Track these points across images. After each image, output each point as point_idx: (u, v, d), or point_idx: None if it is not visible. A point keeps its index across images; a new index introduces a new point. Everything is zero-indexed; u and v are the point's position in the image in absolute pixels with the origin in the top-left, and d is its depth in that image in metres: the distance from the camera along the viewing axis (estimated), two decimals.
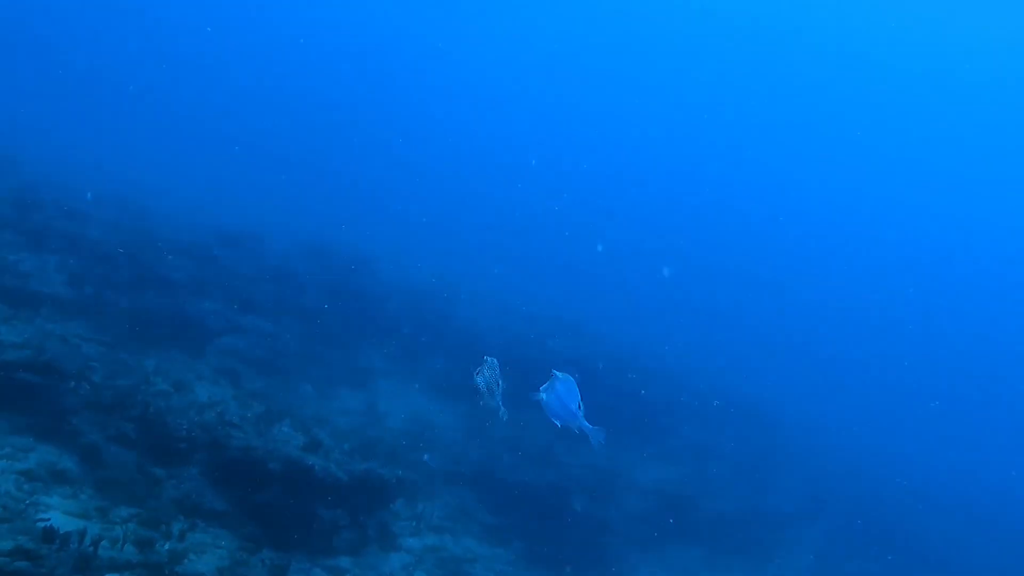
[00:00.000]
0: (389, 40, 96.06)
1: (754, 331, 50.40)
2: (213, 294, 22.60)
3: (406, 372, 27.06)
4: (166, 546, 11.53)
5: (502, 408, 7.13)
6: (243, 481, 13.94)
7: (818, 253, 79.17)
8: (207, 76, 75.83)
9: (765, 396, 37.59)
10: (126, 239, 23.97)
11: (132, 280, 21.14)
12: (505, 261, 46.08)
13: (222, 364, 18.96)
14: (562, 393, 6.63)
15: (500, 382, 7.09)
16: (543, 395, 6.75)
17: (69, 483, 12.63)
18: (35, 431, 13.41)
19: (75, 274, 19.67)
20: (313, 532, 14.40)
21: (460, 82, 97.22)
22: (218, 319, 21.55)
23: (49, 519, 10.99)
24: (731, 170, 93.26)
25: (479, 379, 7.08)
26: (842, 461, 34.28)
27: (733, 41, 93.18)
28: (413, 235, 45.77)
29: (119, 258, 22.08)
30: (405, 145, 73.33)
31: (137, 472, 13.39)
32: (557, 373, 6.70)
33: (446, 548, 17.38)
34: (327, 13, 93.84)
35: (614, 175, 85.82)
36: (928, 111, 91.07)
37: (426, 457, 20.49)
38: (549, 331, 31.82)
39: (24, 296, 16.93)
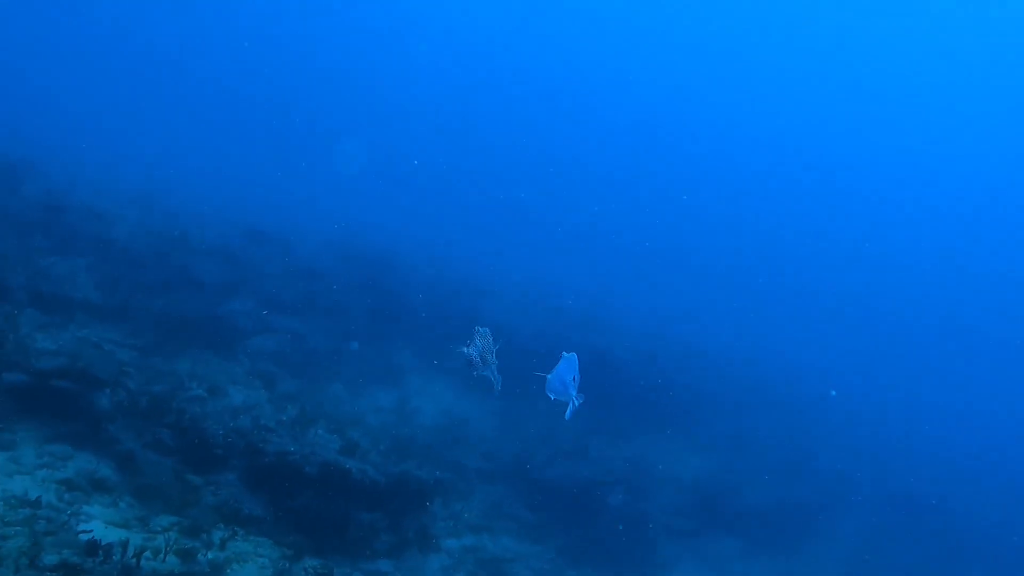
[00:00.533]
0: (409, 34, 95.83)
1: (783, 318, 49.96)
2: (243, 294, 22.52)
3: (435, 368, 26.91)
4: (208, 555, 11.42)
5: (498, 379, 6.97)
6: (281, 486, 13.83)
7: (846, 237, 78.47)
8: (231, 75, 75.84)
9: (793, 381, 37.26)
10: (154, 241, 23.94)
11: (162, 282, 21.09)
12: (532, 255, 45.88)
13: (255, 366, 18.85)
14: (561, 370, 6.62)
15: (494, 352, 6.91)
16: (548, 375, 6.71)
17: (108, 491, 12.55)
18: (72, 439, 13.35)
19: (105, 278, 19.62)
20: (352, 536, 14.28)
21: (484, 78, 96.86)
22: (249, 320, 21.47)
23: (92, 531, 10.90)
24: (759, 157, 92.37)
25: (471, 350, 6.92)
26: (875, 445, 33.90)
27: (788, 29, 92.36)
28: (439, 231, 45.56)
29: (148, 260, 22.05)
30: (430, 141, 73.08)
31: (175, 479, 13.30)
32: (565, 354, 6.67)
33: (485, 548, 17.23)
34: (350, 10, 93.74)
35: (640, 167, 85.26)
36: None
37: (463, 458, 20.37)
38: (577, 323, 31.62)
39: (57, 302, 16.88)
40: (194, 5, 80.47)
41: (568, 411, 6.69)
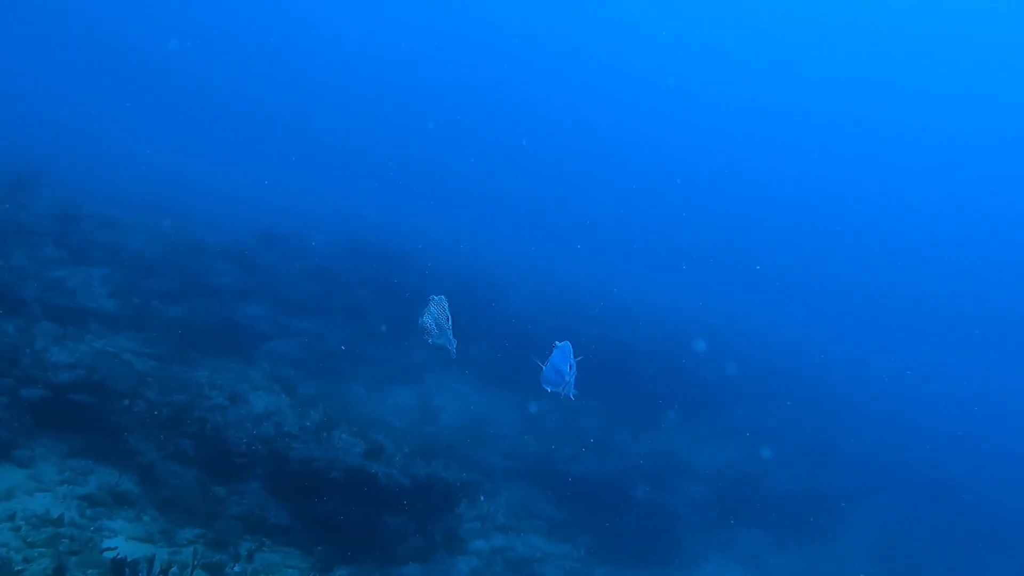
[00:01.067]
0: (417, 33, 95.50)
1: (804, 306, 49.64)
2: (258, 298, 22.30)
3: (454, 364, 26.62)
4: (236, 568, 11.17)
5: (453, 343, 6.89)
6: (306, 493, 13.58)
7: (869, 225, 77.94)
8: (238, 81, 75.74)
9: (816, 369, 36.96)
10: (167, 247, 23.74)
11: (177, 289, 20.89)
12: (548, 249, 45.61)
13: (274, 370, 18.60)
14: (556, 359, 6.50)
15: (449, 319, 6.83)
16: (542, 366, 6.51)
17: (131, 505, 12.32)
18: (93, 453, 13.12)
19: (120, 286, 19.40)
20: (380, 541, 14.02)
21: (500, 74, 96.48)
22: (266, 323, 21.25)
23: (116, 547, 10.66)
24: (778, 147, 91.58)
25: (426, 318, 6.79)
26: (900, 430, 33.57)
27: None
28: (452, 227, 45.31)
29: (162, 267, 21.83)
30: (439, 137, 72.85)
31: (198, 490, 13.05)
32: (557, 343, 6.53)
33: (514, 548, 16.95)
34: (355, 11, 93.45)
35: (657, 160, 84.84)
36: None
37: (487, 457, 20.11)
38: (596, 316, 31.33)
39: (72, 313, 16.65)
40: (200, 11, 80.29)
41: (567, 390, 6.57)
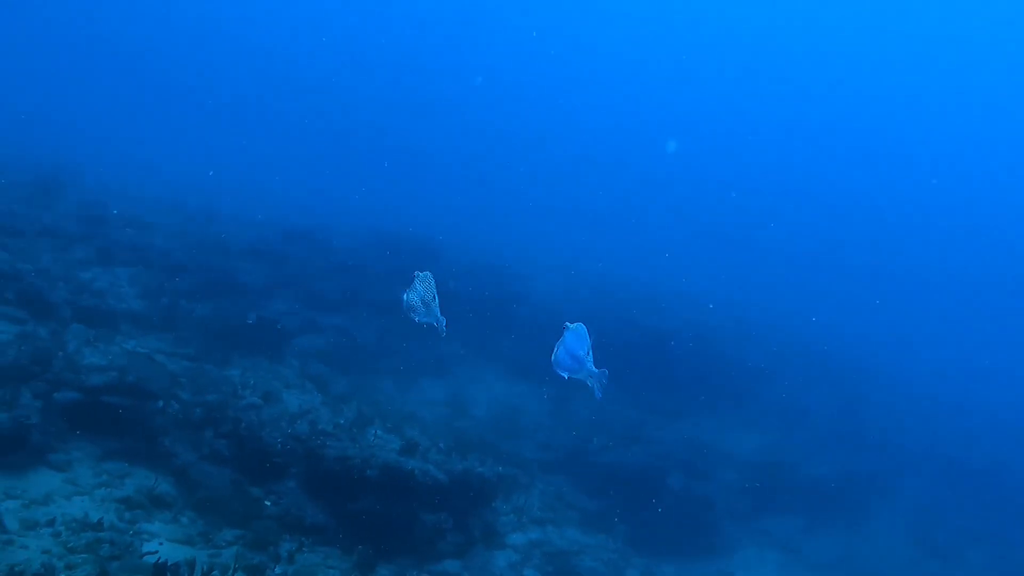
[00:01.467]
0: (439, 27, 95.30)
1: (831, 286, 49.20)
2: (286, 294, 22.25)
3: (482, 356, 26.56)
4: (277, 570, 11.07)
5: (441, 321, 6.47)
6: (343, 491, 13.47)
7: (895, 207, 77.13)
8: (260, 79, 75.80)
9: (847, 350, 36.60)
10: (193, 246, 23.70)
11: (205, 287, 20.83)
12: (572, 238, 45.40)
13: (305, 367, 18.53)
14: (570, 343, 5.87)
15: (436, 296, 6.42)
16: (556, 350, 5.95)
17: (168, 507, 12.26)
18: (128, 455, 13.07)
19: (148, 286, 19.37)
20: (418, 538, 13.90)
21: (526, 66, 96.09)
22: (294, 319, 21.18)
23: (157, 551, 10.58)
24: (809, 133, 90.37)
25: (411, 295, 6.39)
26: (933, 410, 33.21)
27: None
28: (476, 219, 45.20)
29: (189, 266, 21.78)
30: (459, 131, 72.73)
31: (234, 491, 12.97)
32: (568, 324, 5.94)
33: (551, 541, 16.82)
34: (377, 8, 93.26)
35: (684, 147, 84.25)
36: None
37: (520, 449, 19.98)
38: (625, 302, 31.11)
39: (102, 315, 16.61)
40: (221, 12, 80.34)
41: (596, 385, 5.96)
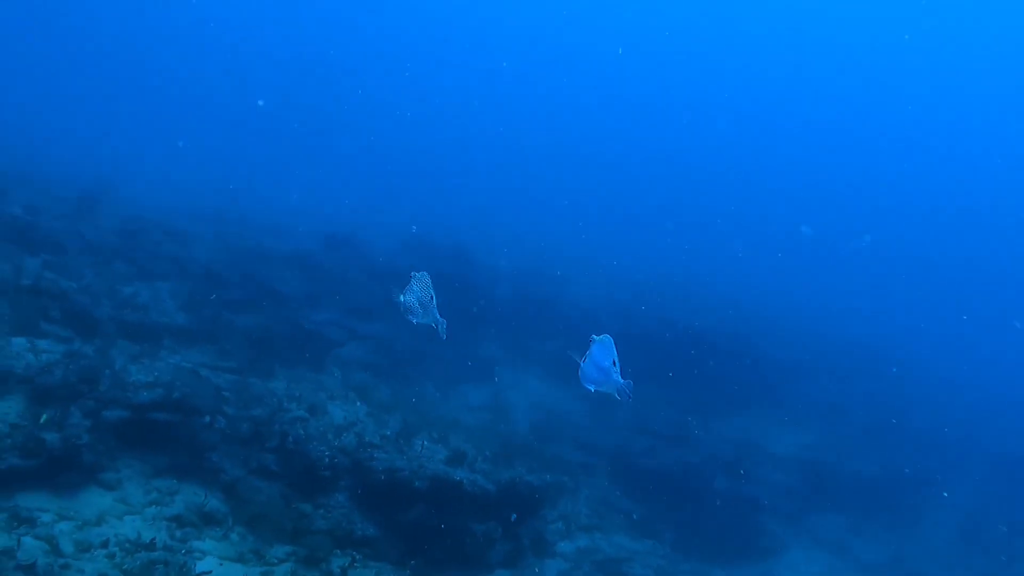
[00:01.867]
0: (467, 33, 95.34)
1: (871, 280, 48.71)
2: (326, 303, 22.22)
3: (522, 359, 26.48)
4: None
5: (441, 323, 6.34)
6: (392, 504, 13.41)
7: (932, 200, 76.16)
8: (292, 88, 76.05)
9: (888, 344, 36.18)
10: (232, 256, 23.75)
11: (245, 298, 20.84)
12: (610, 237, 45.23)
13: (349, 377, 18.50)
14: (596, 355, 5.76)
15: (433, 296, 6.26)
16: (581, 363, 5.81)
17: (218, 524, 12.24)
18: (176, 471, 13.05)
19: (189, 299, 19.39)
20: (468, 548, 13.82)
21: (548, 69, 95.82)
22: (335, 328, 21.15)
23: (211, 571, 10.55)
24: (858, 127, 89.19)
25: (407, 297, 6.24)
26: (980, 404, 32.71)
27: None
28: (511, 222, 45.10)
29: (229, 277, 21.82)
30: (490, 135, 72.67)
31: (284, 505, 12.93)
32: (595, 336, 5.80)
33: (599, 549, 16.69)
34: (411, 16, 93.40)
35: (713, 144, 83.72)
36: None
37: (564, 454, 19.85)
38: (661, 301, 30.90)
39: (146, 330, 16.64)
40: (250, 22, 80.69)
41: (621, 396, 5.83)
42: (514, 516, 14.52)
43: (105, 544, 10.67)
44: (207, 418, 13.83)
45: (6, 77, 56.79)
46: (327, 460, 13.42)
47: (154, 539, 11.04)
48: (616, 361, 5.74)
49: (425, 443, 14.56)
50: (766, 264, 46.21)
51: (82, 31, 70.67)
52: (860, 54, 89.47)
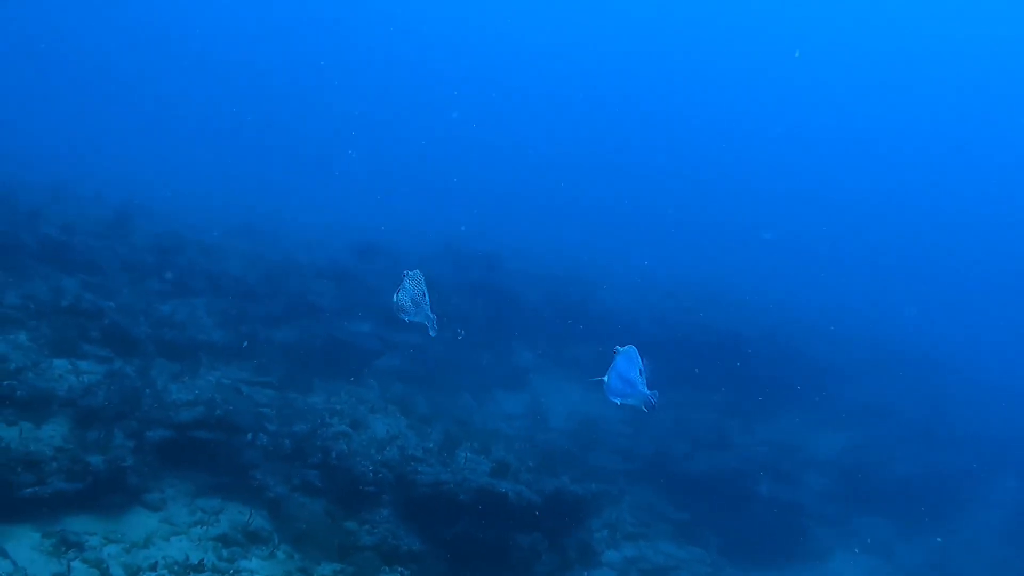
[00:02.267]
0: (495, 39, 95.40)
1: (908, 278, 48.17)
2: (360, 314, 22.14)
3: (557, 365, 26.36)
4: None
5: (432, 319, 6.20)
6: (437, 518, 13.27)
7: (970, 198, 75.28)
8: (317, 100, 76.36)
9: (926, 344, 35.75)
10: (266, 270, 23.76)
11: (280, 312, 20.84)
12: (640, 243, 44.99)
13: (387, 389, 18.40)
14: (621, 367, 5.57)
15: (426, 294, 6.12)
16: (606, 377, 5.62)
17: (264, 542, 12.16)
18: (221, 490, 13.01)
19: (226, 315, 19.40)
20: (514, 561, 13.65)
21: (575, 74, 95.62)
22: (371, 340, 21.09)
23: None
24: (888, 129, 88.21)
25: (400, 295, 6.09)
26: (1018, 404, 32.16)
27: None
28: (544, 228, 44.99)
29: (263, 291, 21.82)
30: (518, 141, 72.62)
31: (329, 522, 12.82)
32: (619, 348, 5.63)
33: (646, 557, 16.49)
34: (437, 22, 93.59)
35: (746, 148, 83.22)
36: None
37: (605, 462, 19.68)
38: (696, 304, 30.66)
39: (184, 347, 16.62)
40: (284, 36, 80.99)
41: (647, 406, 5.64)
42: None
43: (154, 567, 10.60)
44: (249, 435, 13.77)
45: (34, 98, 57.38)
46: (371, 475, 13.30)
47: (202, 560, 10.96)
48: (643, 371, 5.57)
49: (467, 455, 14.42)
50: (803, 266, 45.82)
51: (108, 52, 71.35)
52: (898, 52, 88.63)
